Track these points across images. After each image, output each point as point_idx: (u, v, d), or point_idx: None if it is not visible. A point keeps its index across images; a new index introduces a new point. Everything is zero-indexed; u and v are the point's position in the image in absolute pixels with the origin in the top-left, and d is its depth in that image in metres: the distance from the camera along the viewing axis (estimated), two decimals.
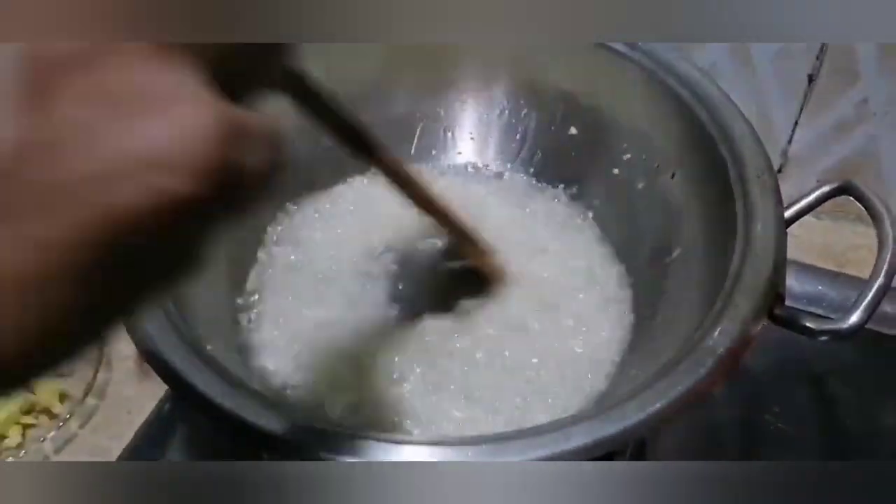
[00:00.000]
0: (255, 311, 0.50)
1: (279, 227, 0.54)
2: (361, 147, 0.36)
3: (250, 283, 0.51)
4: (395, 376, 0.45)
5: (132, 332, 0.37)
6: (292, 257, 0.52)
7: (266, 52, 0.22)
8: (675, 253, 0.47)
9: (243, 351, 0.47)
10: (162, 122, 0.17)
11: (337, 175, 0.56)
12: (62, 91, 0.17)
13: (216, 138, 0.18)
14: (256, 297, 0.50)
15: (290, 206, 0.55)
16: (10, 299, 0.16)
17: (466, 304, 0.49)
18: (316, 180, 0.55)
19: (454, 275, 0.50)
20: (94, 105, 0.17)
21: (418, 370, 0.46)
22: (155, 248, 0.18)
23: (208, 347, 0.38)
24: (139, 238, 0.17)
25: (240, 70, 0.21)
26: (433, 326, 0.48)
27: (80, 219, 0.17)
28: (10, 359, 0.17)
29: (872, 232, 0.41)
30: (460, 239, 0.46)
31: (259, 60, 0.22)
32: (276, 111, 0.22)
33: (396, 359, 0.46)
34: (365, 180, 0.56)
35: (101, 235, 0.17)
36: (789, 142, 0.66)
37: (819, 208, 0.45)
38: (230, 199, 0.19)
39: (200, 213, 0.18)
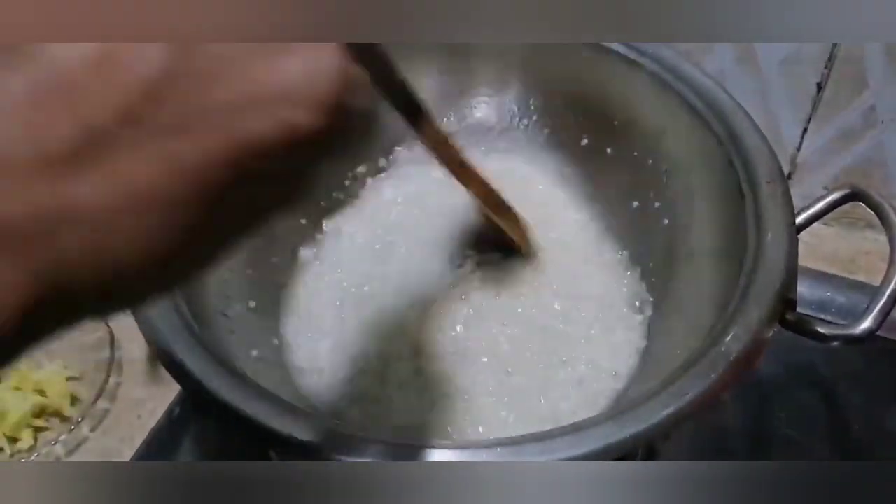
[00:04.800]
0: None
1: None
2: (411, 110, 0.34)
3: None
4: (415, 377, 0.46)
5: (145, 333, 0.37)
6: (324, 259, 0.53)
7: None
8: (687, 258, 0.47)
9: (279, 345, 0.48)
10: (296, 59, 0.19)
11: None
12: None
13: (339, 80, 0.19)
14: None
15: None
16: (140, 216, 0.18)
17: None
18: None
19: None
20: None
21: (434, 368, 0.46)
22: (273, 176, 0.19)
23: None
24: (263, 165, 0.19)
25: None
26: (450, 324, 0.48)
27: (215, 142, 0.18)
28: (132, 273, 0.18)
29: (882, 238, 0.41)
30: (494, 209, 0.45)
31: None
32: None
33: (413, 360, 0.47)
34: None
35: (231, 160, 0.18)
36: (798, 149, 0.66)
37: (828, 215, 0.45)
38: (341, 138, 0.20)
39: (317, 146, 0.20)
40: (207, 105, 0.18)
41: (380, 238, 0.53)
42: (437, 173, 0.40)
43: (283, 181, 0.20)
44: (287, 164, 0.19)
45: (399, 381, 0.46)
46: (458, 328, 0.48)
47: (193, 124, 0.18)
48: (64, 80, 0.17)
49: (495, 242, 0.50)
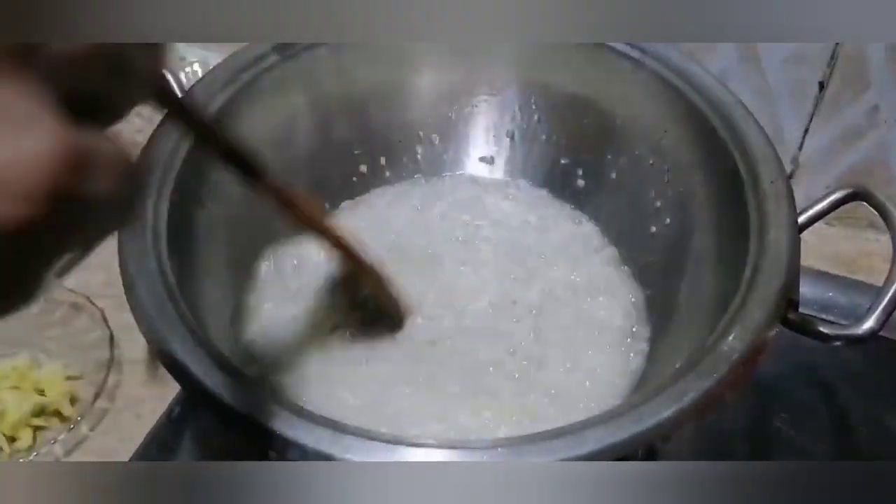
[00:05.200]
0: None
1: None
2: (248, 170, 0.34)
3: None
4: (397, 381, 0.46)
5: (146, 332, 0.37)
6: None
7: (131, 70, 0.20)
8: (689, 258, 0.47)
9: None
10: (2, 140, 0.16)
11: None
12: None
13: (53, 164, 0.17)
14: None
15: None
16: None
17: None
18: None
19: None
20: None
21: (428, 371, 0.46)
22: None
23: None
24: None
25: (99, 92, 0.20)
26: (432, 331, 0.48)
27: None
28: None
29: (884, 238, 0.41)
30: (358, 269, 0.44)
31: (123, 82, 0.20)
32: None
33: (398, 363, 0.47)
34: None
35: None
36: (800, 148, 0.66)
37: (830, 214, 0.45)
38: (66, 229, 0.18)
39: (30, 241, 0.17)
40: None
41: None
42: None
43: None
44: None
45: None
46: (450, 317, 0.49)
47: None
48: None
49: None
